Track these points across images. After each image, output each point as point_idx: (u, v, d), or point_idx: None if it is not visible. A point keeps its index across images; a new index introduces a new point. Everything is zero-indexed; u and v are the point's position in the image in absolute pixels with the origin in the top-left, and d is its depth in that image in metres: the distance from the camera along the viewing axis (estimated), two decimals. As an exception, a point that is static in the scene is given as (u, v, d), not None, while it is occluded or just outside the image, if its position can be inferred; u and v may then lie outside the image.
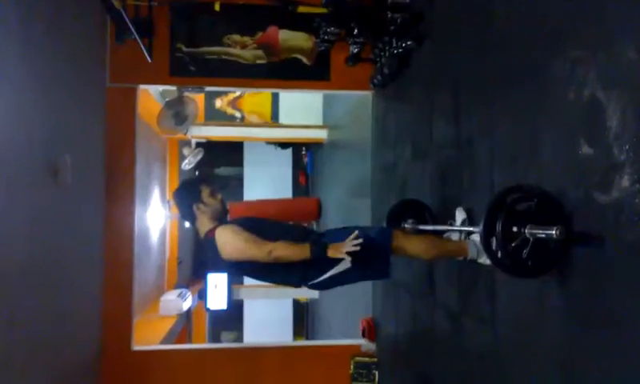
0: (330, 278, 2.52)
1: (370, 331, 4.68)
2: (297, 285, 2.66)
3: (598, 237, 1.67)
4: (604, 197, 1.62)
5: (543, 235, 1.76)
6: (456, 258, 2.65)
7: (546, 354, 1.96)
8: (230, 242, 2.45)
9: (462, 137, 2.82)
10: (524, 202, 1.86)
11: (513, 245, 1.81)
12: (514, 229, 1.81)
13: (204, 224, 2.57)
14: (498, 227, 1.81)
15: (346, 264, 2.42)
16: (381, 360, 4.56)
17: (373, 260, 2.51)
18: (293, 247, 2.42)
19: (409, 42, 3.56)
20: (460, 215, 2.68)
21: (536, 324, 2.04)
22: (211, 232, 2.52)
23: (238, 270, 2.67)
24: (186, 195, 2.62)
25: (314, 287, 2.65)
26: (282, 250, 2.41)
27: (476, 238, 2.44)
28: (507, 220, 1.81)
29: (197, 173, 11.74)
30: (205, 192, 2.60)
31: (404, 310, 3.82)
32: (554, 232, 1.71)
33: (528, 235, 1.80)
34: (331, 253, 2.37)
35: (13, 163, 2.75)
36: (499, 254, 1.86)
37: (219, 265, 2.56)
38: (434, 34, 3.34)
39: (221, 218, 2.61)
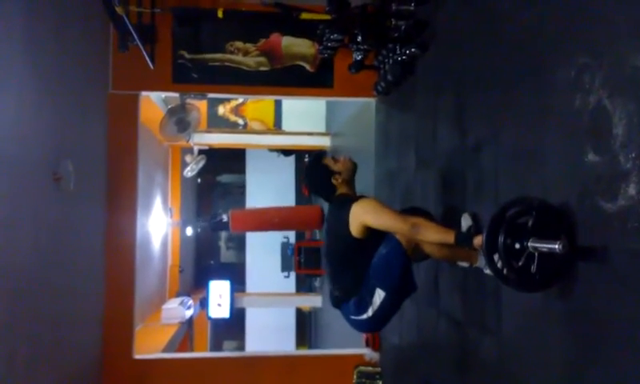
0: (374, 316, 2.47)
1: (374, 340, 4.65)
2: (336, 300, 2.64)
3: (604, 246, 1.64)
4: (610, 205, 1.60)
5: (545, 250, 1.72)
6: (463, 263, 2.62)
7: (551, 364, 1.93)
8: (374, 205, 2.49)
9: (467, 143, 2.80)
10: (524, 215, 1.81)
11: (520, 264, 1.76)
12: (517, 245, 1.77)
13: (342, 189, 2.67)
14: (500, 244, 1.77)
15: (380, 296, 2.41)
16: (384, 370, 4.52)
17: (398, 276, 2.45)
18: (438, 227, 2.39)
19: (413, 49, 3.54)
20: (465, 222, 2.65)
21: (541, 334, 2.01)
22: (346, 196, 2.62)
23: (337, 243, 2.64)
24: (321, 175, 2.70)
25: (356, 325, 2.61)
26: (427, 228, 2.36)
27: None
28: (508, 236, 1.77)
29: (199, 180, 11.74)
30: (330, 162, 2.70)
31: (408, 319, 3.78)
32: (556, 246, 1.67)
33: (531, 249, 1.75)
34: (477, 241, 2.19)
35: (16, 169, 2.74)
36: (504, 270, 1.83)
37: (332, 233, 2.66)
38: (438, 41, 3.32)
39: (353, 176, 2.71)
